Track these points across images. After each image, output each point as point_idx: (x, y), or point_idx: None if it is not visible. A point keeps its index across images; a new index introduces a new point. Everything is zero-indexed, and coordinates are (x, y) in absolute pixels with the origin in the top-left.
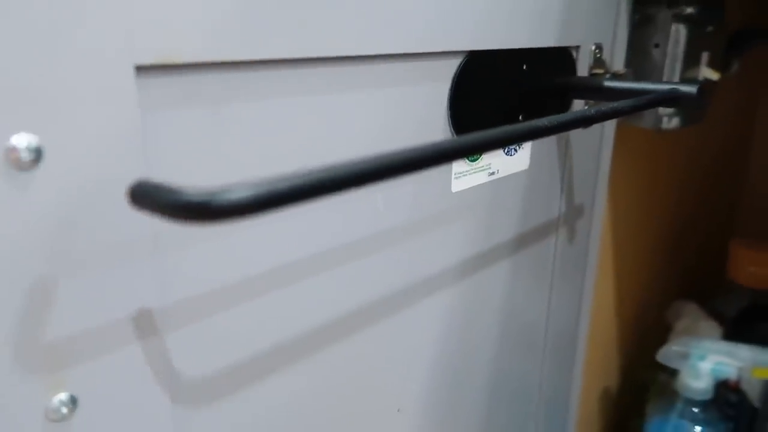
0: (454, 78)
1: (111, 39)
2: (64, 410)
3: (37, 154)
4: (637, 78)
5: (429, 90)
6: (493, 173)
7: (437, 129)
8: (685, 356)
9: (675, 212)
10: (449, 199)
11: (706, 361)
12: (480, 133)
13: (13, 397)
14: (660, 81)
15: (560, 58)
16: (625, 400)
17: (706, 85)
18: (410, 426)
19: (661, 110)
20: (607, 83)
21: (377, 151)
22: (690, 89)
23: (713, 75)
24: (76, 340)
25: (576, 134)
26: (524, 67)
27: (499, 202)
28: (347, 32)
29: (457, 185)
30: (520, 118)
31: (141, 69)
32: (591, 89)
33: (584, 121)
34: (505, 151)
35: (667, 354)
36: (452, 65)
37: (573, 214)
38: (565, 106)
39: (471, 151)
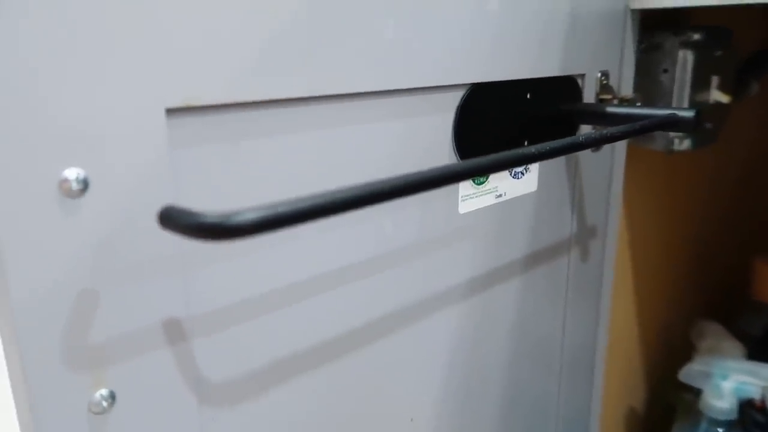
0: (457, 109)
1: (145, 86)
2: (105, 404)
3: (85, 184)
4: (647, 103)
5: (434, 121)
6: (500, 195)
7: (443, 157)
8: (707, 376)
9: (698, 231)
10: (457, 220)
11: (729, 380)
12: (464, 162)
13: (62, 391)
14: (662, 106)
15: (565, 85)
16: (652, 420)
17: (706, 109)
18: None
19: (672, 133)
20: (610, 109)
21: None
22: (688, 114)
23: (724, 98)
24: (115, 343)
25: (585, 157)
26: (528, 96)
27: (508, 223)
28: (353, 71)
29: (464, 207)
30: (526, 143)
31: (170, 111)
32: (594, 115)
33: (573, 148)
34: (512, 174)
35: (689, 373)
36: (456, 97)
37: (585, 234)
38: (572, 132)
39: (452, 179)
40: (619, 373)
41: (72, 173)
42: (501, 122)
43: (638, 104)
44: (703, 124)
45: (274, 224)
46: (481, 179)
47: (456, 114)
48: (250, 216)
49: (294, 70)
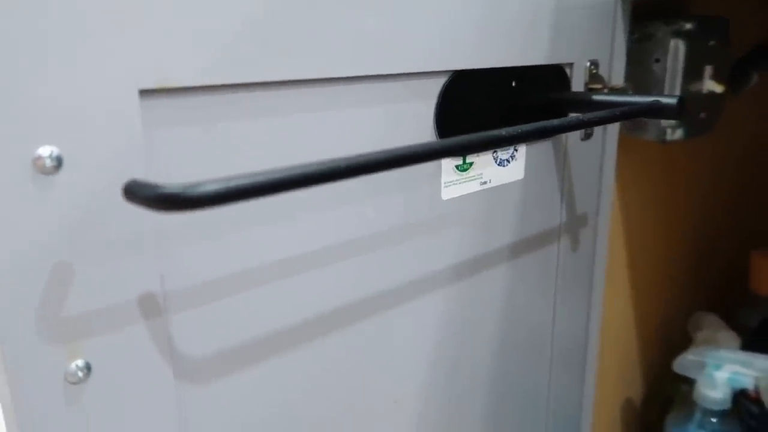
0: (439, 96)
1: (119, 67)
2: (80, 374)
3: (59, 161)
4: (639, 92)
5: (416, 108)
6: (485, 182)
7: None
8: (701, 366)
9: (699, 224)
10: (440, 206)
11: (722, 370)
12: (428, 143)
13: (38, 362)
14: (648, 94)
15: (553, 74)
16: (650, 413)
17: (699, 98)
18: (406, 417)
19: (664, 122)
20: (596, 97)
21: (363, 186)
22: (671, 101)
23: (717, 87)
24: (90, 316)
25: (575, 146)
26: (513, 84)
27: (494, 211)
28: (331, 56)
29: (447, 193)
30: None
31: (144, 92)
32: (581, 103)
33: (548, 132)
34: (497, 161)
35: (683, 363)
36: (438, 84)
37: (575, 223)
38: None
39: (416, 158)
40: (617, 366)
41: (46, 151)
42: (485, 110)
43: (629, 93)
44: (692, 113)
45: (233, 196)
46: (464, 166)
47: (438, 101)
48: (210, 187)
49: (270, 54)
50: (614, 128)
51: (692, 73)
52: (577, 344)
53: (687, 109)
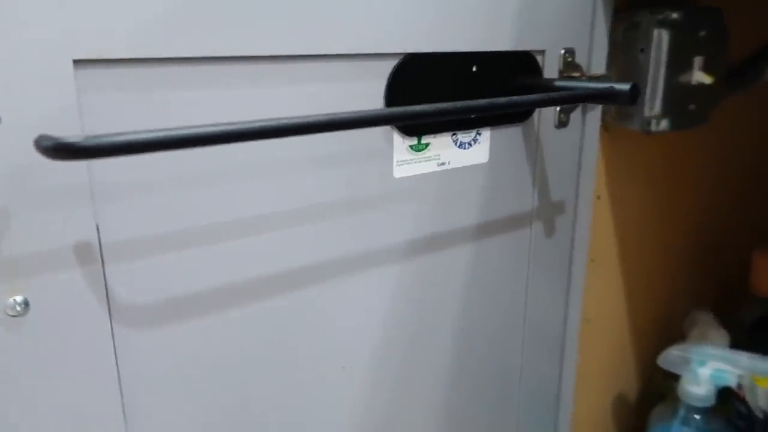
0: (389, 77)
1: (54, 38)
2: (19, 309)
3: None
4: (623, 80)
5: (366, 88)
6: (443, 163)
7: (376, 131)
8: (686, 362)
9: (703, 221)
10: (393, 183)
11: (706, 367)
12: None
13: None
14: (607, 81)
15: (521, 61)
16: (644, 409)
17: (688, 90)
18: (355, 384)
19: (648, 112)
20: (558, 83)
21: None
22: (623, 87)
23: (706, 79)
24: (28, 257)
25: (548, 133)
26: (474, 69)
27: (455, 191)
28: (269, 34)
29: (400, 172)
30: (472, 116)
31: (78, 62)
32: (542, 89)
33: (487, 109)
34: (456, 144)
35: (668, 359)
36: (389, 66)
37: (550, 210)
38: (529, 110)
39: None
40: (608, 359)
41: None
42: (441, 93)
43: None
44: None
45: (125, 149)
46: (419, 146)
47: (387, 82)
48: (97, 141)
49: (204, 29)
50: (594, 117)
51: (679, 63)
52: (553, 332)
53: (636, 97)
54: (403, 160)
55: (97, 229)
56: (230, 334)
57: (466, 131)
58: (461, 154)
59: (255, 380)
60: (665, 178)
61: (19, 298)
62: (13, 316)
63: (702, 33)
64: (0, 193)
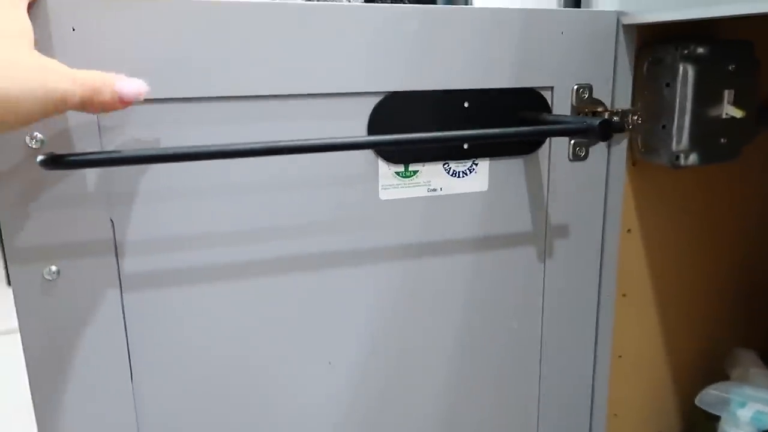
0: (370, 114)
1: None
2: (53, 275)
3: (42, 143)
4: (649, 116)
5: (351, 125)
6: (434, 189)
7: (360, 157)
8: (725, 402)
9: (750, 254)
10: (379, 205)
11: (746, 408)
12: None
13: (29, 262)
14: (581, 117)
15: (524, 97)
16: None
17: (718, 124)
18: (341, 380)
19: (675, 147)
20: (545, 116)
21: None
22: (592, 123)
23: (737, 113)
24: (62, 240)
25: (563, 166)
26: (466, 105)
27: (447, 215)
28: (251, 77)
29: (386, 195)
30: (465, 147)
31: None
32: (532, 123)
33: (459, 140)
34: (449, 173)
35: (706, 398)
36: (371, 103)
37: (570, 243)
38: (533, 142)
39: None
40: (645, 400)
41: (31, 141)
42: (429, 128)
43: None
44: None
45: (98, 163)
46: (407, 173)
47: (369, 119)
48: (81, 158)
49: (190, 76)
50: (620, 151)
51: (707, 97)
52: (580, 367)
53: (609, 132)
54: (390, 185)
55: (112, 222)
56: (217, 322)
57: (459, 161)
58: (455, 182)
59: (244, 363)
60: (703, 211)
61: (54, 268)
62: (49, 280)
63: (731, 66)
64: (43, 196)
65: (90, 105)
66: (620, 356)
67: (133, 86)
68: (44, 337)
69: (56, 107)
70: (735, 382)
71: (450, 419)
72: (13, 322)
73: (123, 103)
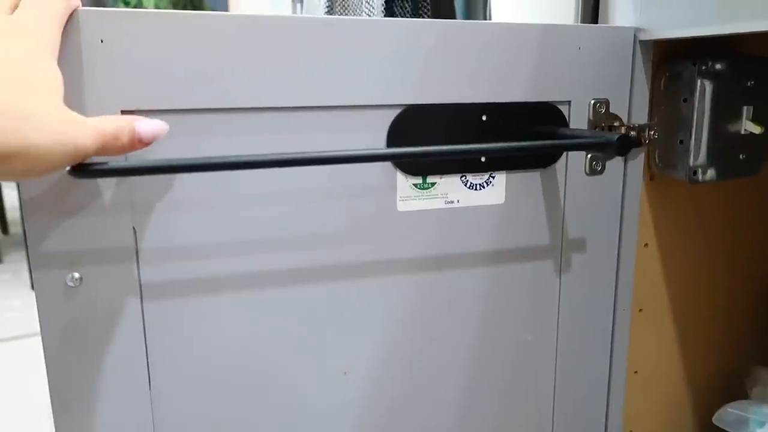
0: (389, 127)
1: (107, 95)
2: (76, 282)
3: None
4: (667, 131)
5: (370, 137)
6: (451, 202)
7: (378, 169)
8: (743, 421)
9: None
10: (397, 215)
11: (765, 428)
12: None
13: (52, 269)
14: (598, 132)
15: (541, 111)
16: None
17: (737, 140)
18: (356, 390)
19: (693, 162)
20: (563, 131)
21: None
22: (609, 139)
23: (756, 128)
24: (85, 247)
25: (578, 180)
26: (484, 118)
27: (464, 226)
28: (275, 90)
29: (404, 206)
30: (482, 160)
31: (125, 111)
32: (549, 137)
33: (473, 153)
34: (467, 185)
35: (723, 417)
36: (390, 116)
37: (585, 256)
38: (548, 157)
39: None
40: (662, 416)
41: None
42: (447, 140)
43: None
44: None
45: (125, 172)
46: (425, 185)
47: (388, 132)
48: (109, 166)
49: (213, 89)
50: (636, 165)
51: (725, 113)
52: (594, 382)
53: (627, 148)
54: (407, 196)
55: (134, 230)
56: (235, 331)
57: (476, 173)
58: (472, 194)
59: (261, 374)
60: (722, 226)
61: (76, 275)
62: (72, 286)
63: (750, 82)
64: (68, 203)
65: (111, 150)
66: (636, 372)
67: (151, 127)
68: (65, 342)
69: (79, 158)
70: (754, 401)
71: None
72: (35, 326)
73: (142, 144)
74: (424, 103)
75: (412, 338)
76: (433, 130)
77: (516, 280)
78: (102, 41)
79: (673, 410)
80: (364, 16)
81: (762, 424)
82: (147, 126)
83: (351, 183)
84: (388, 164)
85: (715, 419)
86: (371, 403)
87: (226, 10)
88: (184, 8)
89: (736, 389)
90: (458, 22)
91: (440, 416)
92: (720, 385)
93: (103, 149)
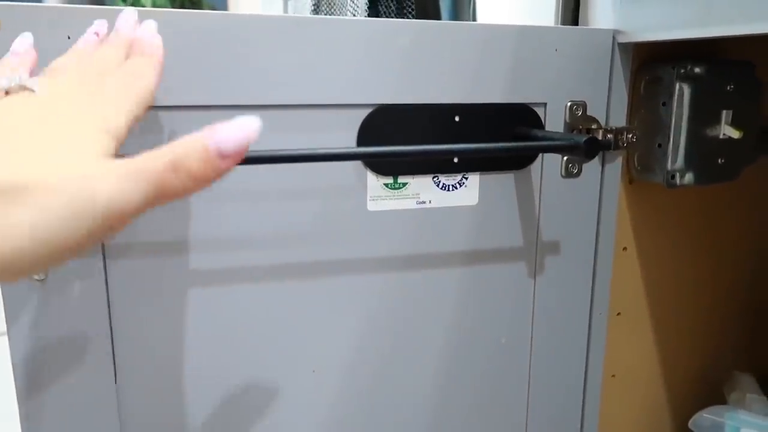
0: (360, 127)
1: None
2: (42, 276)
3: None
4: (645, 135)
5: (341, 136)
6: (423, 202)
7: (349, 169)
8: (718, 427)
9: (756, 276)
10: (367, 215)
11: None
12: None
13: None
14: (574, 134)
15: (516, 112)
16: None
17: (715, 144)
18: (326, 388)
19: (671, 166)
20: (535, 132)
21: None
22: (578, 140)
23: (734, 133)
24: None
25: (553, 183)
26: (456, 119)
27: (436, 227)
28: (250, 86)
29: (374, 206)
30: (455, 160)
31: None
32: (523, 139)
33: (444, 153)
34: (439, 186)
35: (699, 422)
36: (361, 115)
37: (561, 259)
38: (524, 157)
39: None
40: (639, 420)
41: None
42: (419, 140)
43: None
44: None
45: None
46: (396, 185)
47: (358, 131)
48: None
49: (192, 85)
50: (614, 169)
51: (704, 117)
52: (569, 385)
53: (595, 150)
54: (378, 196)
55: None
56: (202, 327)
57: (449, 174)
58: (445, 195)
59: (225, 373)
60: (703, 230)
61: (37, 277)
62: (38, 280)
63: (730, 87)
64: None
65: (172, 189)
66: (613, 376)
67: (235, 133)
68: (31, 338)
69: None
70: (730, 407)
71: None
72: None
73: (224, 158)
74: (396, 102)
75: (382, 338)
76: (405, 130)
77: (489, 282)
78: (69, 38)
79: (650, 415)
80: (349, 16)
81: (736, 430)
82: (226, 133)
83: (321, 182)
84: (358, 163)
85: (691, 424)
86: (340, 401)
87: (226, 8)
88: (182, 7)
89: (715, 394)
90: (433, 23)
91: (411, 418)
92: (699, 390)
93: (161, 193)
